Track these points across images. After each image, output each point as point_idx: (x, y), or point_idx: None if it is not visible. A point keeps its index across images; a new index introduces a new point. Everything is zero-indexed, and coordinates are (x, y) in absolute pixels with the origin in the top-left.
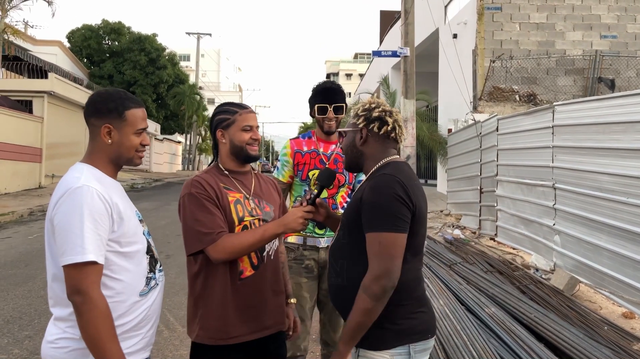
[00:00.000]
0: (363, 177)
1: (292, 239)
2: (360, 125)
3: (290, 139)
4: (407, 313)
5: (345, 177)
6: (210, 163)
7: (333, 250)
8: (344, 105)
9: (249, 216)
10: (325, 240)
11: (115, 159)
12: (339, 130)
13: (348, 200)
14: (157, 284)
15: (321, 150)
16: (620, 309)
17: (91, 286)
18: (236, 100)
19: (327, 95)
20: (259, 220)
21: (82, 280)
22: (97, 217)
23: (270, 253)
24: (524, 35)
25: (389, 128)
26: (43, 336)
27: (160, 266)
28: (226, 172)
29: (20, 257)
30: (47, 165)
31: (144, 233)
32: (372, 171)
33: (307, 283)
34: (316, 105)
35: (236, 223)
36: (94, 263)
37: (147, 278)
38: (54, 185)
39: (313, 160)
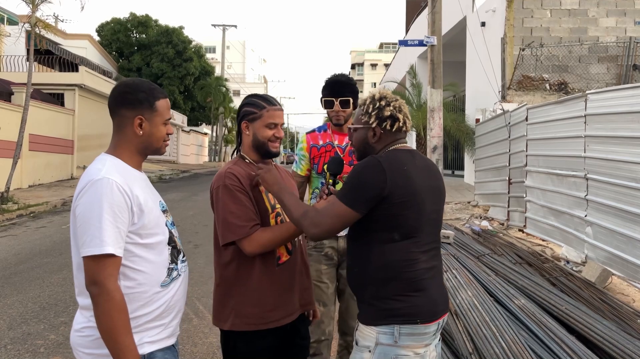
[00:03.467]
0: None
1: None
2: (373, 125)
3: (307, 133)
4: (393, 293)
5: None
6: (233, 152)
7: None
8: (351, 98)
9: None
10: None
11: (143, 149)
12: (349, 126)
13: None
14: (180, 275)
15: (336, 142)
16: None
17: (108, 278)
18: (261, 91)
19: (333, 89)
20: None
21: (100, 272)
22: (117, 210)
23: (300, 237)
24: (555, 22)
25: (400, 124)
26: None
27: (183, 257)
28: (252, 162)
29: (54, 246)
30: (79, 156)
31: (166, 224)
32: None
33: (326, 270)
34: (323, 99)
35: (269, 210)
36: (111, 255)
37: (168, 269)
38: None
39: (328, 153)
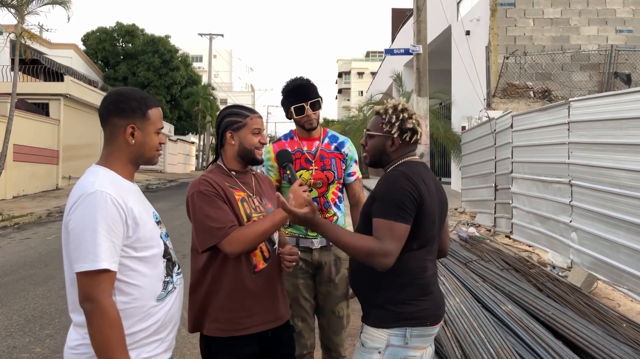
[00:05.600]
0: (352, 170)
1: None
2: (395, 134)
3: (272, 143)
4: (408, 298)
5: (334, 174)
6: (210, 163)
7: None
8: (319, 99)
9: (255, 213)
10: (318, 241)
11: (135, 159)
12: (367, 132)
13: (340, 195)
14: (175, 287)
15: (305, 148)
16: (639, 307)
17: (102, 294)
18: (249, 100)
19: (300, 94)
20: (264, 216)
21: (94, 288)
22: (111, 223)
23: (276, 245)
24: (538, 30)
25: (417, 137)
26: (64, 334)
27: (178, 269)
28: (231, 172)
29: (39, 257)
30: (64, 166)
31: (161, 236)
32: (389, 168)
33: (304, 284)
34: (292, 107)
35: (245, 219)
36: (106, 270)
37: (164, 282)
38: (71, 186)
39: (298, 160)
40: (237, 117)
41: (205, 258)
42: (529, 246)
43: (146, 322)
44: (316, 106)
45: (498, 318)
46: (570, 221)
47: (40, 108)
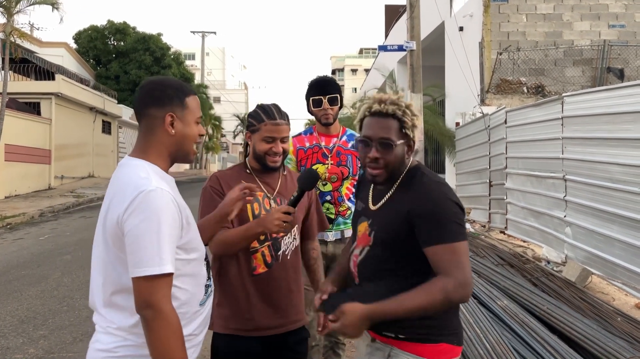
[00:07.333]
0: None
1: None
2: (415, 139)
3: (292, 136)
4: (458, 318)
5: (349, 169)
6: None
7: (367, 266)
8: (338, 95)
9: None
10: (333, 234)
11: (175, 152)
12: (387, 141)
13: (354, 191)
14: (212, 291)
15: (323, 143)
16: (633, 300)
17: (163, 300)
18: (241, 98)
19: (320, 88)
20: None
21: (155, 294)
22: (173, 224)
23: (286, 252)
24: (531, 26)
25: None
26: (58, 335)
27: (211, 272)
28: (249, 171)
29: (32, 258)
30: (56, 166)
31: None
32: (403, 177)
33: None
34: (311, 98)
35: (252, 221)
36: (169, 274)
37: (205, 286)
38: (64, 186)
39: (315, 154)
40: (255, 119)
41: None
42: (524, 241)
43: (189, 328)
44: (334, 102)
45: (494, 314)
46: (565, 216)
47: (31, 107)
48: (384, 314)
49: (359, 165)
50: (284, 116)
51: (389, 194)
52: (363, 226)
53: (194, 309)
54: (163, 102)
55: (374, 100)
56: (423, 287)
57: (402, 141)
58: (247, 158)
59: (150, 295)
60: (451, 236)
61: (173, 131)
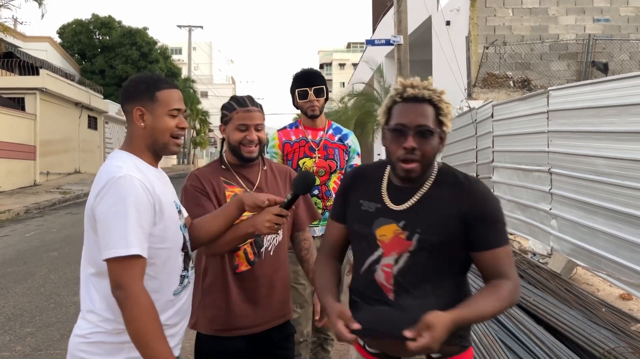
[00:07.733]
0: (354, 162)
1: None
2: (449, 131)
3: (278, 130)
4: None
5: (337, 163)
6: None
7: (410, 276)
8: (324, 87)
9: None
10: (320, 229)
11: (151, 145)
12: (426, 128)
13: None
14: (189, 282)
15: (309, 137)
16: (617, 291)
17: (133, 281)
18: (229, 92)
19: (305, 80)
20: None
21: (125, 275)
22: (141, 208)
23: (269, 248)
24: (517, 20)
25: None
26: (45, 332)
27: (192, 264)
28: (227, 166)
29: (18, 255)
30: (42, 162)
31: (180, 227)
32: (435, 173)
33: (303, 271)
34: (297, 90)
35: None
36: (137, 256)
37: (180, 276)
38: (49, 182)
39: (302, 148)
40: (227, 110)
41: (196, 251)
42: (510, 234)
43: (160, 317)
44: (320, 93)
45: None
46: (550, 209)
47: (15, 102)
48: (465, 322)
49: (347, 159)
50: (257, 105)
51: (422, 192)
52: (389, 230)
53: (167, 298)
54: (133, 97)
55: (404, 85)
56: (491, 291)
57: (438, 130)
58: (224, 153)
59: (119, 276)
60: (507, 238)
61: (143, 124)
